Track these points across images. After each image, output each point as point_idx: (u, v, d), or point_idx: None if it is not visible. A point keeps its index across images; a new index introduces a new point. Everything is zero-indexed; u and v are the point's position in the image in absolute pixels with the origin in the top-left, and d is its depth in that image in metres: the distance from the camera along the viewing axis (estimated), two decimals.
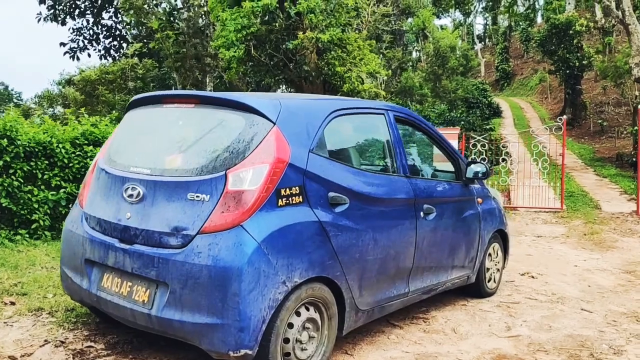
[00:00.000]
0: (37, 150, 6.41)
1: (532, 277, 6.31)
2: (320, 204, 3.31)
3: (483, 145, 12.82)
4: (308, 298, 3.23)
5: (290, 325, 3.16)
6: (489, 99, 34.45)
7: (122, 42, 27.76)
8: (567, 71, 27.46)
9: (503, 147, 13.01)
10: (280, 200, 3.08)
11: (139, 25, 19.44)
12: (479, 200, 5.13)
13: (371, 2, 25.74)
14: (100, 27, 26.76)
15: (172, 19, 18.68)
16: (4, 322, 4.07)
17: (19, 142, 6.20)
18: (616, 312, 5.05)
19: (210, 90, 26.83)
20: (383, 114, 4.18)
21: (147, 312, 3.12)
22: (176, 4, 19.85)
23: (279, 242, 3.03)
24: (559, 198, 12.90)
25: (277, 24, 12.29)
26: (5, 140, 6.08)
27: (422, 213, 4.19)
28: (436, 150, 5.01)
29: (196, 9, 18.55)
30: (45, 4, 24.76)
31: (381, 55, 21.96)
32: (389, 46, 25.67)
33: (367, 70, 12.86)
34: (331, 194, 3.39)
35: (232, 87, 28.83)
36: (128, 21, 20.46)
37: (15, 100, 48.56)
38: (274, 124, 3.19)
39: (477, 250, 5.08)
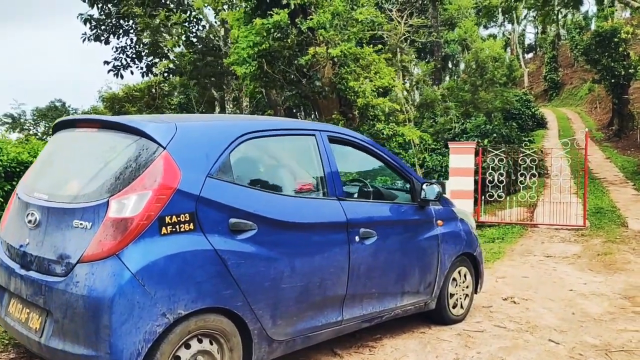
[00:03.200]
0: (18, 170, 6.57)
1: (514, 302, 5.96)
2: (217, 231, 3.18)
3: (501, 160, 12.33)
4: (199, 330, 3.11)
5: (177, 359, 3.04)
6: (533, 110, 33.40)
7: (162, 59, 28.53)
8: (613, 80, 26.30)
9: (535, 161, 12.38)
10: (164, 228, 2.97)
11: (154, 44, 19.81)
12: (439, 222, 4.88)
13: (405, 14, 25.51)
14: (142, 45, 27.57)
15: (188, 37, 18.98)
16: None
17: None
18: (587, 344, 4.68)
19: (246, 106, 27.16)
20: (314, 134, 4.03)
21: (38, 340, 3.07)
22: (195, 27, 20.20)
23: (159, 272, 2.92)
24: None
25: (289, 40, 12.28)
26: None
27: (357, 237, 3.99)
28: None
29: (215, 27, 18.83)
30: (90, 24, 25.70)
31: (403, 69, 21.61)
32: (413, 59, 25.31)
33: (382, 84, 12.65)
34: (233, 220, 3.26)
35: (269, 101, 29.09)
36: (145, 41, 20.89)
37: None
38: (164, 148, 3.10)
39: (436, 275, 4.82)
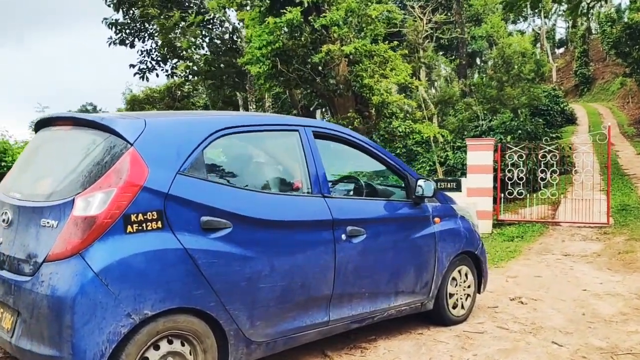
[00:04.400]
0: None
1: (522, 302, 5.75)
2: (187, 230, 3.10)
3: (521, 157, 12.00)
4: (169, 330, 3.03)
5: None
6: (562, 106, 32.63)
7: (186, 61, 28.71)
8: None
9: (556, 157, 11.93)
10: (129, 226, 2.90)
11: (168, 45, 19.92)
12: (436, 219, 4.71)
13: (427, 10, 25.22)
14: (166, 48, 27.80)
15: (212, 39, 19.04)
16: None
17: (3, 164, 6.45)
18: (593, 346, 4.46)
19: (269, 106, 27.17)
20: (297, 130, 3.92)
21: (9, 340, 3.04)
22: (219, 28, 20.26)
23: (124, 272, 2.84)
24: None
25: (302, 38, 12.19)
26: None
27: (344, 236, 3.87)
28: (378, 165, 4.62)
29: (237, 28, 18.86)
30: (116, 29, 26.01)
31: (423, 65, 21.31)
32: (434, 56, 25.00)
33: (397, 81, 12.46)
34: (205, 218, 3.17)
35: (292, 101, 29.10)
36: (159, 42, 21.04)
37: None
38: (132, 145, 3.03)
39: (433, 274, 4.66)
